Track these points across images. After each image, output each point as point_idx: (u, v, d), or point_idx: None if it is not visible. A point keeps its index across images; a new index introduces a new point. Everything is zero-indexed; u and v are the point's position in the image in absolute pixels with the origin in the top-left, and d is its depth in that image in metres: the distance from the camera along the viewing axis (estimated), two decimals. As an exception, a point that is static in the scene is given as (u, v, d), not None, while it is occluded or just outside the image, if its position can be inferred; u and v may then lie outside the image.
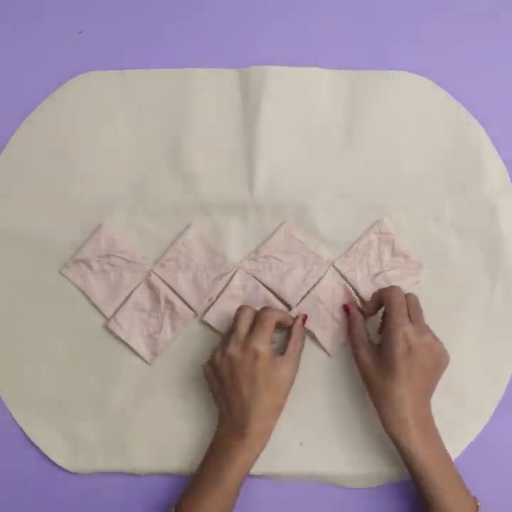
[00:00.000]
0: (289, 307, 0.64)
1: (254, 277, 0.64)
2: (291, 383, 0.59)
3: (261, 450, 0.57)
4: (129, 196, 0.65)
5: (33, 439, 0.63)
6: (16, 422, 0.64)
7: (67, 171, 0.66)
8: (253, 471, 0.61)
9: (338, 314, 0.63)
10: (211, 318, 0.64)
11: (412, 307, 0.58)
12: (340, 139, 0.66)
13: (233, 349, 0.58)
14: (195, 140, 0.66)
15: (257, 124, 0.66)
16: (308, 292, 0.64)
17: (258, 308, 0.60)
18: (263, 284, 0.64)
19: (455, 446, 0.62)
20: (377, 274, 0.64)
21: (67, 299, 0.65)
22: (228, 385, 0.58)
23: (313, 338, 0.64)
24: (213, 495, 0.55)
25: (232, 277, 0.64)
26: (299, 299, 0.64)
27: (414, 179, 0.66)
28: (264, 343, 0.57)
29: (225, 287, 0.64)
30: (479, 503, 0.56)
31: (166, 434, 0.63)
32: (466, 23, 0.69)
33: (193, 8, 0.69)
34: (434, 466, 0.55)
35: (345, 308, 0.63)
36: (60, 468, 0.63)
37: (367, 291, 0.64)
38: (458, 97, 0.67)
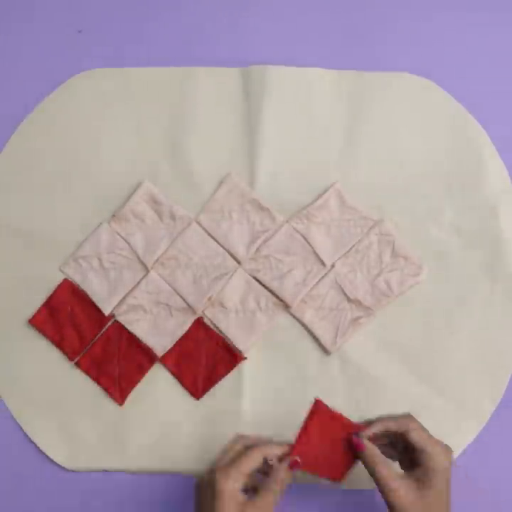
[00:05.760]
0: (289, 307, 0.64)
1: (254, 277, 0.64)
2: None
3: None
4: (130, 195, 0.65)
5: (32, 438, 0.63)
6: (15, 421, 0.63)
7: (67, 170, 0.66)
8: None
9: (338, 312, 0.63)
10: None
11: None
12: (341, 139, 0.67)
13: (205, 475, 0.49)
14: (196, 139, 0.66)
15: (258, 124, 0.66)
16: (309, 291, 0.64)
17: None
18: (263, 284, 0.64)
19: (455, 446, 0.62)
20: (377, 275, 0.64)
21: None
22: None
23: (313, 335, 0.64)
24: None
25: (231, 277, 0.64)
26: (299, 300, 0.64)
27: (414, 179, 0.66)
28: (229, 480, 0.47)
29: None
30: None
31: (166, 433, 0.63)
32: (466, 23, 0.69)
33: (193, 6, 0.69)
34: None
35: (358, 446, 0.51)
36: (59, 467, 0.63)
37: (366, 292, 0.64)
38: (458, 97, 0.67)
